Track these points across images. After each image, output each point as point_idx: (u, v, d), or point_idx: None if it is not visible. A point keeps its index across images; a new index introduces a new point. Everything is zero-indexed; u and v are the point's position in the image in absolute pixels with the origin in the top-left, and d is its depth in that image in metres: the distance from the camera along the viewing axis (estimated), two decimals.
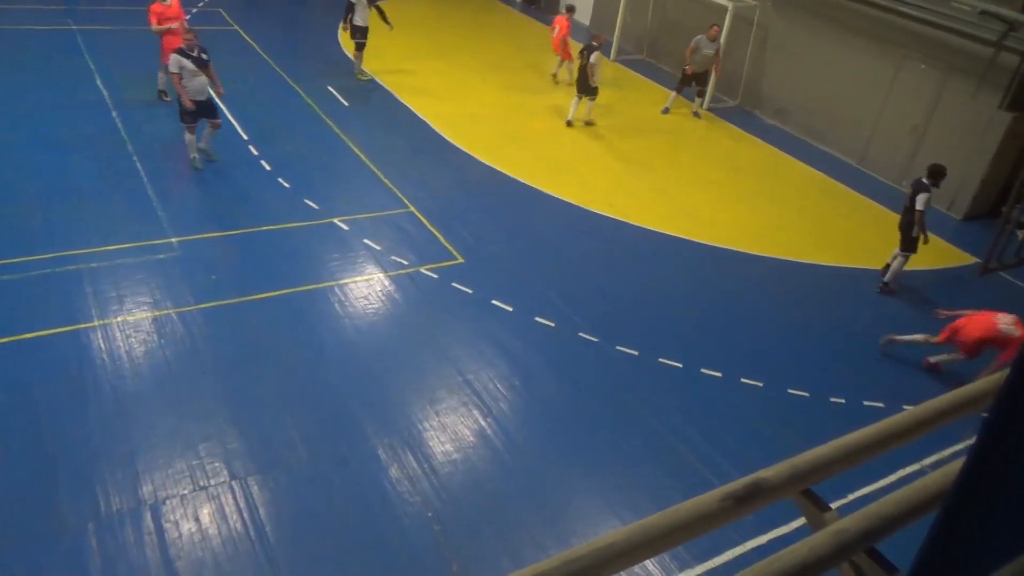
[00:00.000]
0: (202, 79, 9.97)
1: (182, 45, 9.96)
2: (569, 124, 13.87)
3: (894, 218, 12.43)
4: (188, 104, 9.90)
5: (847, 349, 9.00)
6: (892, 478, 6.75)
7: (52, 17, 15.16)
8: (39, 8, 15.66)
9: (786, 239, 11.25)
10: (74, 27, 14.70)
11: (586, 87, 13.54)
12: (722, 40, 15.14)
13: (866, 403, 8.05)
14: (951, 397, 1.99)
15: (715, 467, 6.87)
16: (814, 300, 9.95)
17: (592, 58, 13.18)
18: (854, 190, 13.21)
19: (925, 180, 9.72)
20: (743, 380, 8.08)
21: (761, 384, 8.06)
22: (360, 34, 14.10)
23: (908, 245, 9.90)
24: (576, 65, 13.99)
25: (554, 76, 16.15)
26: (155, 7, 11.41)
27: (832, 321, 9.52)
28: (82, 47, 13.83)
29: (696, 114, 15.61)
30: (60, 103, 11.63)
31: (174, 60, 9.82)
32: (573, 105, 13.85)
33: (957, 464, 1.24)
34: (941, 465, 1.76)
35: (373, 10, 14.03)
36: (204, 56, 10.04)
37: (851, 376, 8.48)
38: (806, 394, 8.03)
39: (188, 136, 10.26)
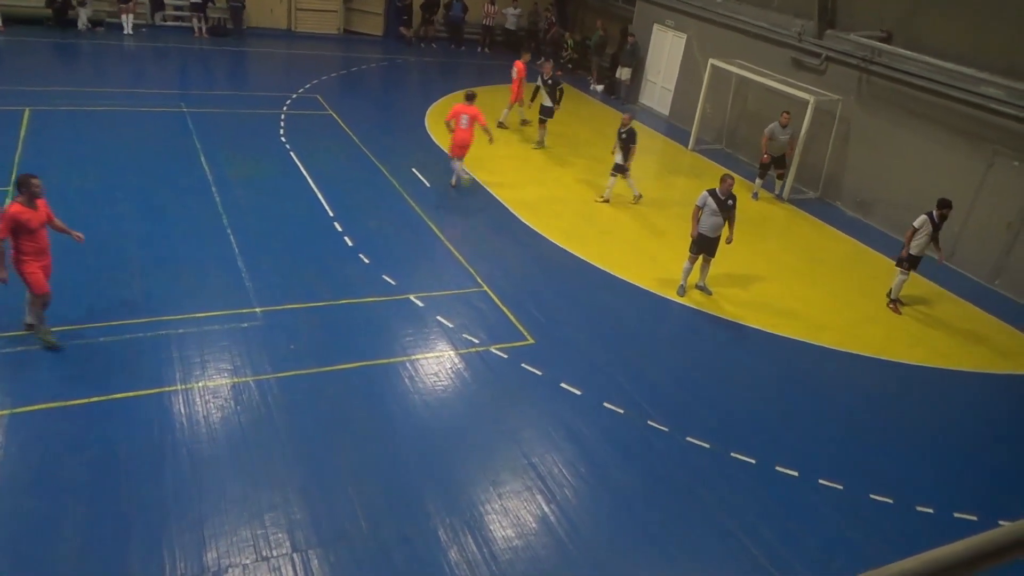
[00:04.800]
0: (718, 220, 10.54)
1: (717, 189, 10.52)
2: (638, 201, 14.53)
3: (984, 316, 11.93)
4: (694, 234, 10.65)
5: (935, 454, 8.48)
6: None
7: (167, 100, 16.48)
8: (158, 92, 17.07)
9: (871, 334, 10.84)
10: (185, 109, 15.92)
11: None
12: (803, 129, 15.16)
13: (957, 515, 7.50)
14: None
15: (792, 574, 6.48)
16: (898, 399, 9.48)
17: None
18: (943, 287, 12.72)
19: (934, 212, 11.17)
20: (821, 481, 7.68)
21: (841, 487, 7.63)
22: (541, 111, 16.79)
23: (899, 262, 11.51)
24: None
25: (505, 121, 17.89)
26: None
27: (917, 423, 9.02)
28: (191, 127, 14.92)
29: (779, 196, 15.80)
30: (168, 179, 12.48)
31: (703, 196, 10.52)
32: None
33: None
34: None
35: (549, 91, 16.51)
36: (730, 203, 10.60)
37: (940, 484, 7.94)
38: (889, 500, 7.55)
39: (686, 264, 10.96)
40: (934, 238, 11.31)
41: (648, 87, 21.96)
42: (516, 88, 17.52)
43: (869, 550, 6.84)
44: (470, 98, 13.45)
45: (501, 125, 17.76)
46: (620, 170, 13.95)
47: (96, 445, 6.78)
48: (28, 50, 18.93)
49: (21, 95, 15.23)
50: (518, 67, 17.48)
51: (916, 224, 11.22)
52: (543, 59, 20.82)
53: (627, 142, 13.77)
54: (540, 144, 16.99)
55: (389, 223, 12.17)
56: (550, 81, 16.46)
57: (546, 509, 6.85)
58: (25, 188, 7.49)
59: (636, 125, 18.26)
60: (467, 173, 13.91)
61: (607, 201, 14.15)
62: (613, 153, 14.11)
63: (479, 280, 10.71)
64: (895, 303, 11.65)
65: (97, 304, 8.82)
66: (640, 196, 14.31)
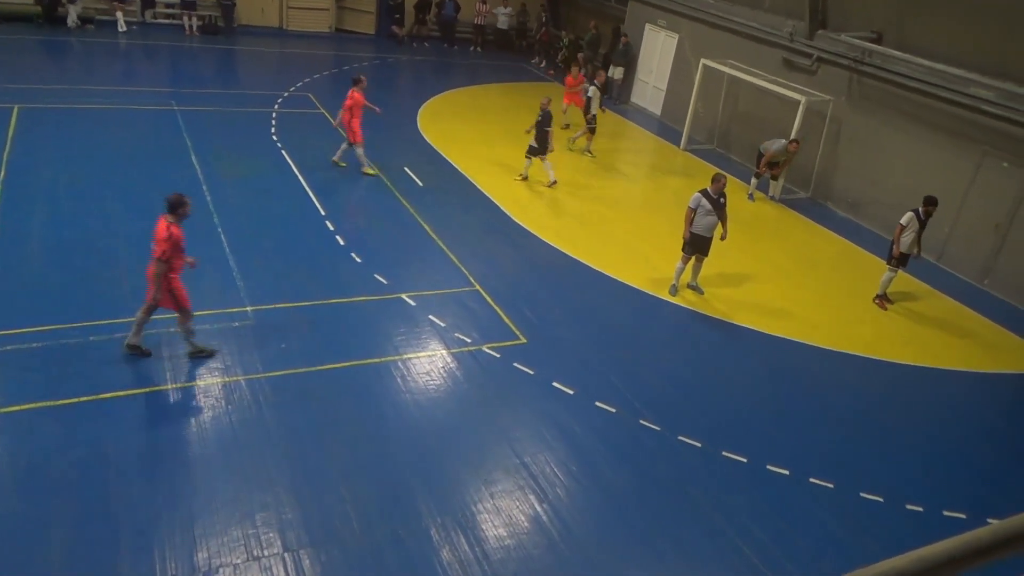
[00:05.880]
0: (713, 219, 10.60)
1: (709, 188, 10.59)
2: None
3: (974, 316, 12.00)
4: (686, 235, 10.70)
5: (925, 452, 8.52)
6: None
7: (158, 98, 16.40)
8: (148, 90, 16.99)
9: (862, 334, 10.89)
10: (175, 107, 15.84)
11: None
12: (795, 129, 15.21)
13: (946, 513, 7.54)
14: None
15: (783, 573, 6.50)
16: (889, 399, 9.52)
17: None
18: (933, 287, 12.79)
19: (920, 208, 11.33)
20: (812, 480, 7.71)
21: (831, 485, 7.67)
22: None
23: (888, 260, 11.68)
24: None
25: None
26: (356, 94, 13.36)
27: (907, 422, 9.07)
28: (181, 125, 14.85)
29: (771, 197, 15.90)
30: (158, 178, 12.39)
31: (695, 198, 10.57)
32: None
33: None
34: None
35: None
36: (722, 200, 10.66)
37: (930, 482, 7.99)
38: (880, 499, 7.59)
39: (679, 264, 11.01)
40: (919, 235, 11.49)
41: (640, 87, 21.99)
42: (575, 96, 18.41)
43: (859, 548, 6.87)
44: (353, 82, 13.57)
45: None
46: (532, 152, 14.34)
47: (85, 445, 6.74)
48: (17, 47, 18.79)
49: (10, 93, 15.12)
50: (570, 81, 18.56)
51: (903, 221, 11.37)
52: (599, 69, 20.94)
53: (541, 125, 14.16)
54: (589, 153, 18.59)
55: (381, 222, 12.15)
56: (605, 92, 17.82)
57: (538, 508, 6.85)
58: (180, 208, 7.55)
59: (631, 126, 18.32)
60: (339, 157, 13.95)
61: (525, 179, 14.57)
62: (528, 132, 14.57)
63: (471, 279, 10.70)
64: (881, 299, 11.79)
65: (86, 303, 8.76)
66: (555, 182, 14.49)
